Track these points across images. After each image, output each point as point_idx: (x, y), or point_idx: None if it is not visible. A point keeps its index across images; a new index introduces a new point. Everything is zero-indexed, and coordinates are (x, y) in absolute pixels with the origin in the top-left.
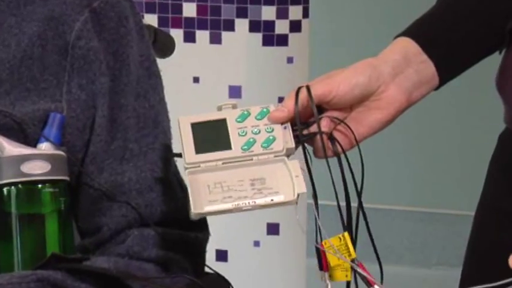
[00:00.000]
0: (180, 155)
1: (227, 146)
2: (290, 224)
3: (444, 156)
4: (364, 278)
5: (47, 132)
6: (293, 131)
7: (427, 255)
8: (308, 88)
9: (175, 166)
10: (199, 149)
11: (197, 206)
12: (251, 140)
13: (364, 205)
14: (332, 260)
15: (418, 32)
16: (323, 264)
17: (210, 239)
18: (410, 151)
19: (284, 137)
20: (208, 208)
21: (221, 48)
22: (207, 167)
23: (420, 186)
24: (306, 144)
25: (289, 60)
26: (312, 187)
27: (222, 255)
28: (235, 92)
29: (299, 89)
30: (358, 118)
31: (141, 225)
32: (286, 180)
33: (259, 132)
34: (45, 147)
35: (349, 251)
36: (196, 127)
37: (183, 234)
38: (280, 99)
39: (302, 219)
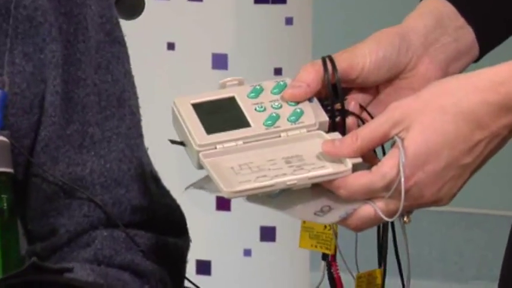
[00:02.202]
0: (182, 143)
1: (245, 123)
2: (289, 228)
3: None
4: (332, 279)
5: None
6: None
7: (463, 267)
8: (331, 59)
9: (148, 155)
10: (210, 129)
11: (227, 185)
12: (274, 114)
13: None
14: (303, 239)
15: None
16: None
17: (190, 246)
18: None
19: (313, 110)
20: (242, 187)
21: (202, 6)
22: (225, 149)
23: None
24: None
25: (288, 21)
26: None
27: (204, 267)
28: (220, 61)
29: (324, 60)
30: (387, 102)
31: (108, 226)
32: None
33: (281, 106)
34: None
35: (329, 245)
36: (199, 107)
37: (160, 239)
38: (277, 71)
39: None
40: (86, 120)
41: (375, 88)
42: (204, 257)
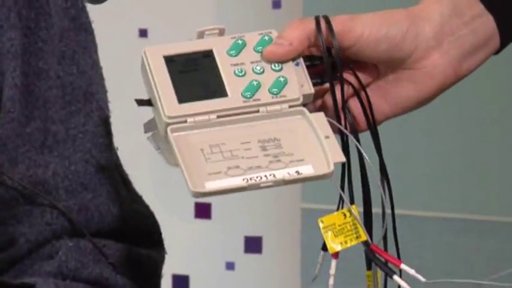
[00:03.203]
0: (149, 103)
1: (221, 91)
2: (277, 238)
3: (492, 150)
4: (383, 265)
5: None
6: (308, 66)
7: (472, 277)
8: (328, 21)
9: (117, 156)
10: (183, 96)
11: (196, 181)
12: (254, 83)
13: (387, 210)
14: (331, 242)
15: None
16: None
17: (166, 259)
18: (450, 143)
19: (298, 79)
20: (211, 185)
21: None
22: (196, 123)
23: (462, 187)
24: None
25: (276, 4)
26: (345, 150)
27: (181, 283)
28: None
29: (317, 19)
30: (383, 90)
31: (73, 235)
32: (311, 141)
33: (263, 71)
34: None
35: (357, 232)
36: (173, 63)
37: (132, 250)
38: None
39: (295, 230)
40: (48, 116)
41: (376, 70)
42: (181, 271)
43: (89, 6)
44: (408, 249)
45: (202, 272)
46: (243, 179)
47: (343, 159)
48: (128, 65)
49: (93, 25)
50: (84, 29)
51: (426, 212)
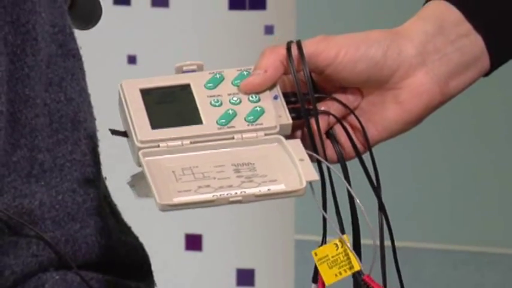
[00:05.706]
0: (124, 134)
1: (196, 119)
2: (270, 270)
3: (493, 180)
4: None
5: None
6: (287, 102)
7: None
8: (299, 44)
9: (105, 185)
10: (156, 123)
11: (163, 195)
12: (230, 111)
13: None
14: (326, 274)
15: None
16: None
17: None
18: (449, 173)
19: (276, 110)
20: (179, 199)
21: (168, 13)
22: (169, 148)
23: (460, 217)
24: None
25: (268, 30)
26: (320, 172)
27: None
28: None
29: (288, 44)
30: (369, 113)
31: (60, 267)
32: (286, 165)
33: (240, 102)
34: None
35: (350, 262)
36: (149, 95)
37: (121, 283)
38: None
39: (288, 262)
40: (34, 145)
41: (360, 93)
42: None
43: (77, 32)
44: (404, 283)
45: None
46: (212, 195)
47: (317, 177)
48: (117, 92)
49: (81, 51)
50: (72, 55)
51: (422, 243)
